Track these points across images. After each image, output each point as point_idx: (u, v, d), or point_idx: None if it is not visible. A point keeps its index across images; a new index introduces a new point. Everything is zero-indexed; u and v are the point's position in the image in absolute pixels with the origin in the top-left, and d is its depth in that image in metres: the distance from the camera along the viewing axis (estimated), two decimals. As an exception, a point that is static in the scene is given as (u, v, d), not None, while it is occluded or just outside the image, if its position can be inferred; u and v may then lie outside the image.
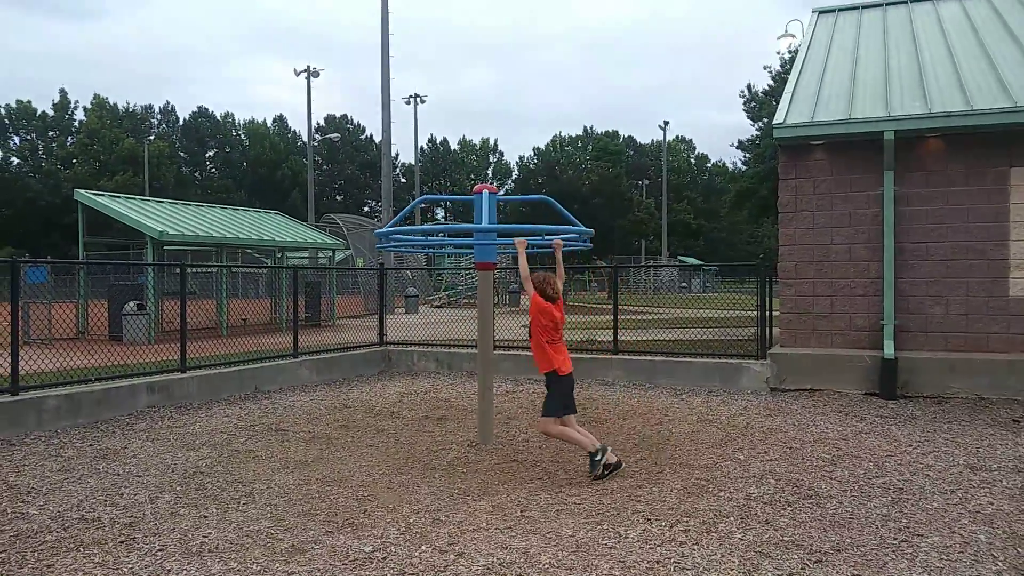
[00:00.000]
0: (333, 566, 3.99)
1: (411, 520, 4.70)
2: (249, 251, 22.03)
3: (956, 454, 6.18)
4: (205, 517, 4.78)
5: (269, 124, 77.47)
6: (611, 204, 39.03)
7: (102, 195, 17.79)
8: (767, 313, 10.18)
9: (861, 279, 9.47)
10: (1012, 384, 8.48)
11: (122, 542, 4.35)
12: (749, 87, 36.64)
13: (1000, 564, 3.92)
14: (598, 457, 5.57)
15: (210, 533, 4.48)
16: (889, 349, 8.90)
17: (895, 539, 4.28)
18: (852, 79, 10.57)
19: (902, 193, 9.23)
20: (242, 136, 75.15)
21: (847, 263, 9.55)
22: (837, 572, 3.83)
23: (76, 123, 65.51)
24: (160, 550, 4.23)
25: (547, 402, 5.85)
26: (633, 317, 19.22)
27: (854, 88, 10.21)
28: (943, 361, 8.83)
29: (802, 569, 3.88)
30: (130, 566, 4.01)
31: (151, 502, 5.09)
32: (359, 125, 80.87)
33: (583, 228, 6.92)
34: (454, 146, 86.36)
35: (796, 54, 13.82)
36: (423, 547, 4.25)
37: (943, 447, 6.42)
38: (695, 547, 4.20)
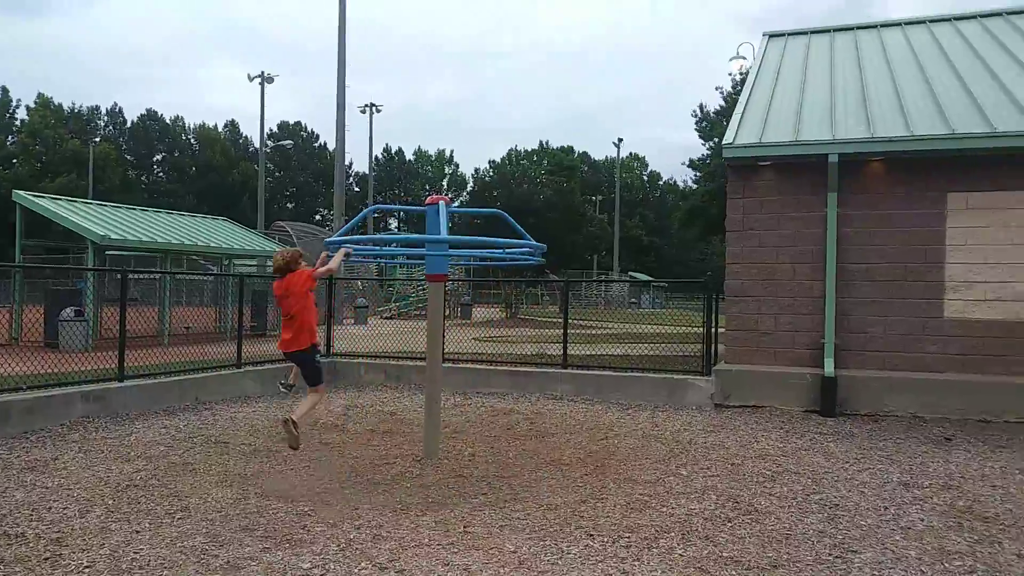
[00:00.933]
0: (269, 583, 3.90)
1: (352, 536, 4.63)
2: (195, 258, 21.56)
3: (890, 471, 6.34)
4: (137, 532, 4.63)
5: (220, 129, 76.21)
6: (565, 218, 39.39)
7: (43, 197, 17.22)
8: (713, 330, 10.33)
9: (805, 298, 9.68)
10: (946, 403, 8.76)
11: (47, 559, 4.18)
12: (701, 107, 37.33)
13: (929, 580, 4.02)
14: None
15: (142, 549, 4.34)
16: (829, 367, 9.12)
17: (830, 555, 4.37)
18: (799, 102, 10.86)
19: (845, 214, 9.49)
20: (192, 140, 73.76)
21: (792, 282, 9.76)
22: (773, 588, 3.89)
23: (18, 122, 63.49)
24: (88, 567, 4.08)
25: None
26: (584, 332, 19.34)
27: (801, 111, 10.48)
28: (881, 380, 9.07)
29: (739, 585, 3.92)
30: (54, 584, 3.85)
31: (81, 516, 4.91)
32: (313, 133, 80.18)
33: (535, 243, 6.93)
34: (409, 156, 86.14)
35: (747, 76, 14.14)
36: (363, 563, 4.18)
37: (878, 464, 6.59)
38: (636, 563, 4.22)
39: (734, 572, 4.09)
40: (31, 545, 4.38)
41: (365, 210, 7.44)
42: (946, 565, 4.22)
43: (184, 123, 74.22)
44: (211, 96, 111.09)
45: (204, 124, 74.91)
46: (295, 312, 6.27)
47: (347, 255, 6.59)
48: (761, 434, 7.85)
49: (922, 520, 5.02)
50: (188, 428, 7.87)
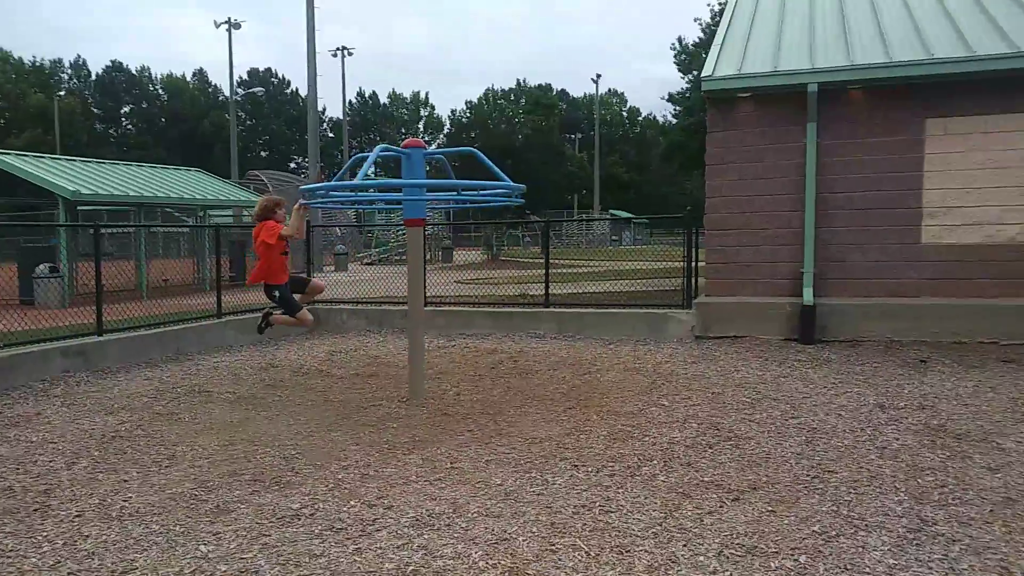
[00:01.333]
0: (260, 524, 3.95)
1: (340, 476, 4.68)
2: (169, 210, 21.24)
3: (867, 394, 6.48)
4: (125, 481, 4.65)
5: (189, 78, 74.29)
6: (544, 158, 39.05)
7: (8, 154, 16.80)
8: (693, 264, 10.39)
9: (784, 229, 9.72)
10: (921, 327, 8.91)
11: (36, 510, 4.20)
12: (680, 39, 36.84)
13: (902, 494, 4.14)
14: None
15: (131, 497, 4.37)
16: (808, 296, 9.21)
17: (808, 475, 4.48)
18: (779, 32, 10.70)
19: (825, 144, 9.46)
20: (160, 91, 71.92)
21: (771, 214, 9.78)
22: (753, 508, 3.99)
23: (-23, 77, 61.51)
24: (77, 516, 4.10)
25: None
26: (565, 271, 19.38)
27: (780, 41, 10.34)
28: (858, 306, 9.20)
29: (720, 507, 4.02)
30: (45, 533, 3.88)
31: (67, 468, 4.92)
32: (284, 79, 78.36)
33: (513, 183, 6.87)
34: (384, 99, 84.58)
35: (725, 7, 13.89)
36: (352, 502, 4.24)
37: (855, 388, 6.72)
38: (620, 491, 4.31)
39: (715, 495, 4.19)
40: (19, 498, 4.39)
41: (352, 159, 7.29)
42: (919, 481, 4.35)
43: (151, 73, 72.32)
44: (177, 45, 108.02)
45: (172, 74, 73.05)
46: (259, 254, 6.82)
47: (305, 209, 6.72)
48: (741, 363, 7.96)
49: (897, 439, 5.15)
50: (171, 379, 7.87)
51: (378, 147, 6.71)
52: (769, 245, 9.78)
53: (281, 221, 6.68)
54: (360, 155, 7.49)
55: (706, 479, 4.46)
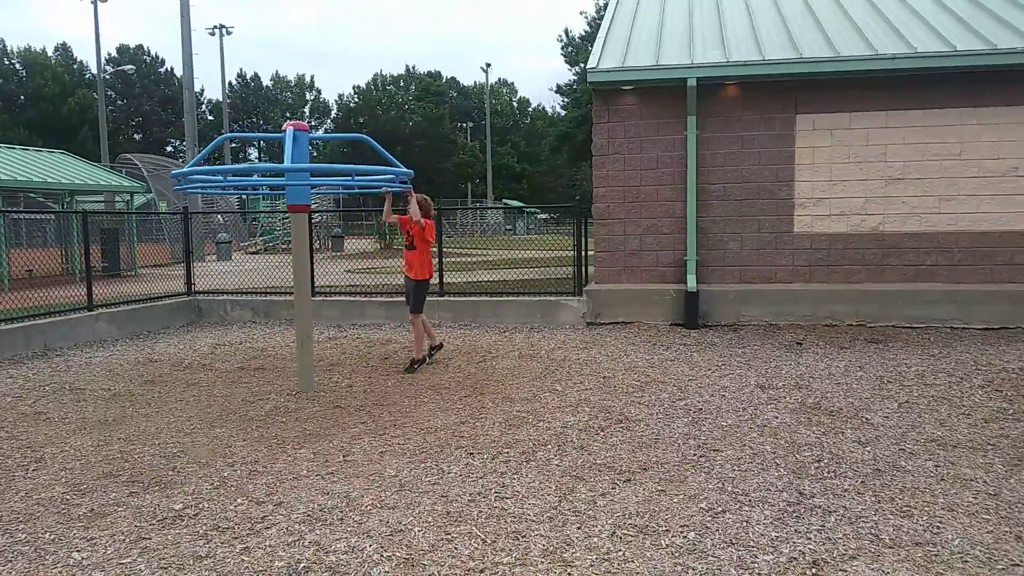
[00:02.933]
0: (139, 527, 3.74)
1: (225, 474, 4.50)
2: (33, 195, 19.73)
3: (748, 375, 6.81)
4: (-15, 488, 4.30)
5: (51, 53, 69.02)
6: (435, 146, 38.80)
7: None
8: (583, 253, 10.58)
9: (668, 218, 10.05)
10: (796, 311, 9.45)
11: None
12: (567, 32, 37.38)
13: (782, 470, 4.38)
14: (417, 366, 7.47)
15: (-9, 505, 4.04)
16: (692, 283, 9.58)
17: (695, 455, 4.66)
18: (660, 28, 11.03)
19: (704, 137, 9.84)
20: (17, 66, 66.48)
21: (655, 203, 10.09)
22: (644, 488, 4.11)
23: None
24: (-71, 529, 3.76)
25: (419, 299, 7.61)
26: (460, 260, 19.35)
27: (662, 36, 10.66)
28: (738, 292, 9.65)
29: (613, 488, 4.12)
30: None
31: (-84, 477, 4.50)
32: (157, 57, 74.02)
33: (402, 169, 6.78)
34: (267, 82, 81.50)
35: (610, 1, 14.18)
36: (239, 500, 4.08)
37: (737, 370, 7.05)
38: (515, 476, 4.34)
39: (607, 477, 4.29)
40: None
41: (218, 138, 6.96)
42: (797, 456, 4.61)
43: (7, 47, 66.63)
44: (37, 17, 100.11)
45: (31, 48, 67.54)
46: (420, 249, 7.63)
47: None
48: (630, 348, 8.20)
49: (776, 418, 5.44)
50: (38, 376, 7.33)
51: (221, 136, 6.50)
52: (654, 234, 10.10)
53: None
54: (230, 134, 7.19)
55: (599, 462, 4.56)
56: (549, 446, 4.88)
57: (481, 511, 3.85)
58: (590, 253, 11.39)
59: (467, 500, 4.00)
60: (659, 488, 4.12)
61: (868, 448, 4.74)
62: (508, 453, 4.76)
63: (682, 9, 11.89)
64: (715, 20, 11.14)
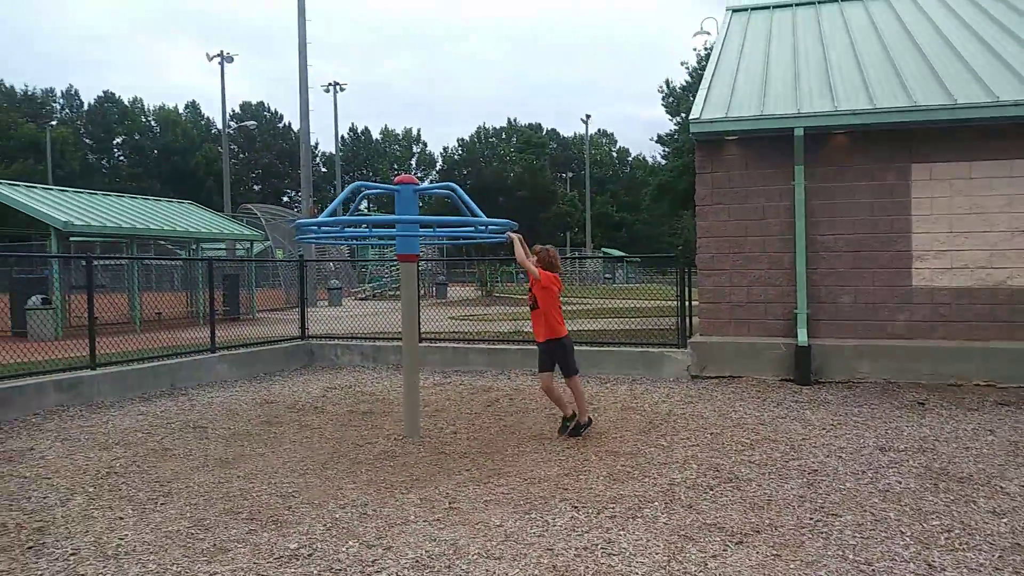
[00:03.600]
0: (257, 564, 3.89)
1: (337, 515, 4.63)
2: (162, 243, 21.22)
3: (866, 436, 6.48)
4: (121, 519, 4.59)
5: (181, 110, 74.65)
6: (535, 196, 39.32)
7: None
8: (687, 303, 10.43)
9: (775, 270, 9.80)
10: (916, 368, 8.96)
11: (30, 548, 4.13)
12: (667, 83, 37.45)
13: (908, 539, 4.13)
14: (570, 424, 6.69)
15: (126, 535, 4.31)
16: (803, 337, 9.26)
17: (811, 519, 4.46)
18: (764, 76, 10.92)
19: (812, 187, 9.60)
20: (152, 123, 72.19)
21: (762, 254, 9.88)
22: (757, 553, 3.97)
23: (-30, 106, 61.62)
24: (73, 554, 4.03)
25: (545, 361, 6.79)
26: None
27: (766, 85, 10.55)
28: (853, 348, 9.25)
29: (724, 551, 4.00)
30: (40, 572, 3.81)
31: (62, 505, 4.85)
32: (276, 112, 78.90)
33: (501, 220, 6.88)
34: (376, 135, 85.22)
35: (711, 51, 14.17)
36: (350, 542, 4.19)
37: (854, 430, 6.73)
38: (621, 533, 4.27)
39: (718, 538, 4.17)
40: (13, 535, 4.32)
41: (350, 186, 7.29)
42: (924, 525, 4.34)
43: (144, 105, 72.64)
44: (170, 77, 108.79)
45: (164, 106, 73.41)
46: (545, 306, 6.74)
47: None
48: (739, 404, 7.97)
49: (899, 482, 5.15)
50: (165, 414, 7.79)
51: (352, 184, 6.78)
52: (761, 285, 9.86)
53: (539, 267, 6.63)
54: (359, 183, 7.50)
55: (708, 521, 4.43)
56: (656, 503, 4.79)
57: (588, 567, 3.81)
58: (693, 303, 11.20)
59: (573, 555, 3.97)
60: (774, 552, 3.96)
61: (1004, 519, 4.41)
62: (614, 508, 4.70)
63: (786, 55, 11.74)
64: (821, 66, 10.94)
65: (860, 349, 9.21)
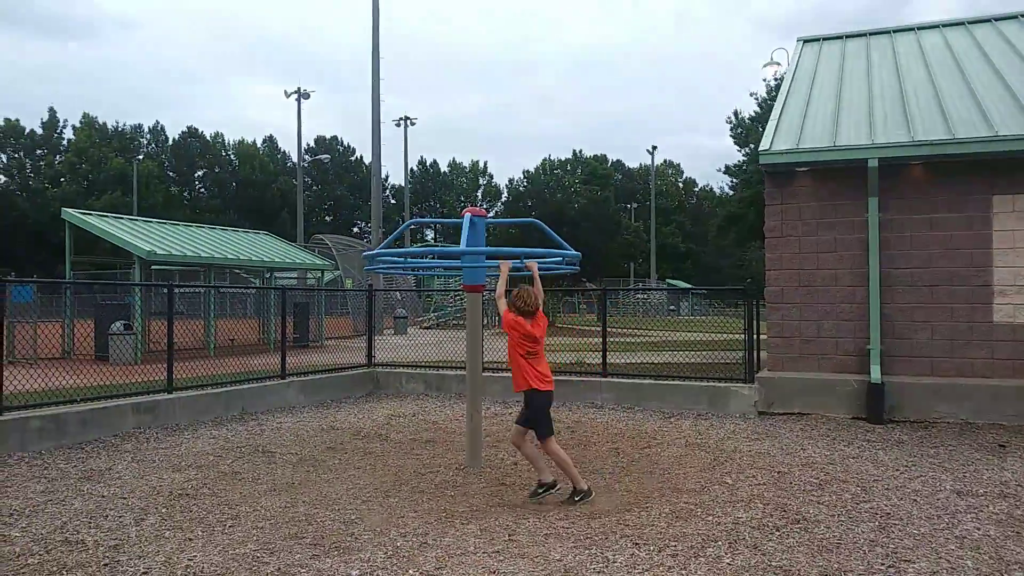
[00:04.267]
0: (320, 590, 3.96)
1: (398, 544, 4.68)
2: (238, 271, 21.98)
3: (943, 479, 6.21)
4: (191, 540, 4.73)
5: (259, 144, 77.52)
6: (600, 227, 39.22)
7: (90, 214, 17.74)
8: (754, 337, 10.23)
9: (847, 304, 9.54)
10: (997, 408, 8.55)
11: (106, 565, 4.30)
12: (736, 113, 37.04)
13: (986, 589, 3.93)
14: (541, 490, 5.71)
15: (195, 556, 4.44)
16: (876, 374, 8.96)
17: (882, 564, 4.29)
18: (836, 107, 10.73)
19: (886, 219, 9.35)
20: (232, 156, 75.12)
21: (833, 288, 9.63)
22: (825, 597, 3.83)
23: (64, 142, 65.36)
24: (144, 573, 4.18)
25: (523, 414, 5.90)
26: (622, 339, 19.24)
27: (838, 116, 10.36)
28: (929, 386, 8.89)
29: (790, 594, 3.88)
30: (114, 590, 3.96)
31: (136, 524, 5.04)
32: (349, 146, 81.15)
33: (571, 251, 6.95)
34: (444, 168, 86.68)
35: (781, 82, 14.01)
36: (410, 571, 4.22)
37: (929, 472, 6.45)
38: (683, 572, 4.19)
39: (784, 581, 4.04)
40: (90, 552, 4.51)
41: (403, 225, 7.51)
42: (1005, 575, 4.12)
43: (224, 139, 75.66)
44: (249, 113, 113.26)
45: (243, 140, 76.26)
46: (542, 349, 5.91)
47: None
48: (807, 442, 7.74)
49: (978, 529, 4.91)
50: (236, 438, 8.02)
51: (409, 221, 6.91)
52: (832, 320, 9.60)
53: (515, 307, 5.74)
54: (414, 219, 7.66)
55: (774, 563, 4.31)
56: (719, 542, 4.68)
57: (648, 605, 3.75)
58: (761, 337, 10.96)
59: (633, 592, 3.91)
60: (842, 598, 3.82)
61: (1094, 573, 4.15)
62: (675, 547, 4.61)
63: (860, 85, 11.51)
64: (896, 95, 10.69)
65: (937, 387, 8.85)
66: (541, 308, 5.90)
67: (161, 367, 9.23)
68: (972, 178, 9.12)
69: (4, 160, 62.85)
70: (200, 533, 4.86)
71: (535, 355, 5.80)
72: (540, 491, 5.70)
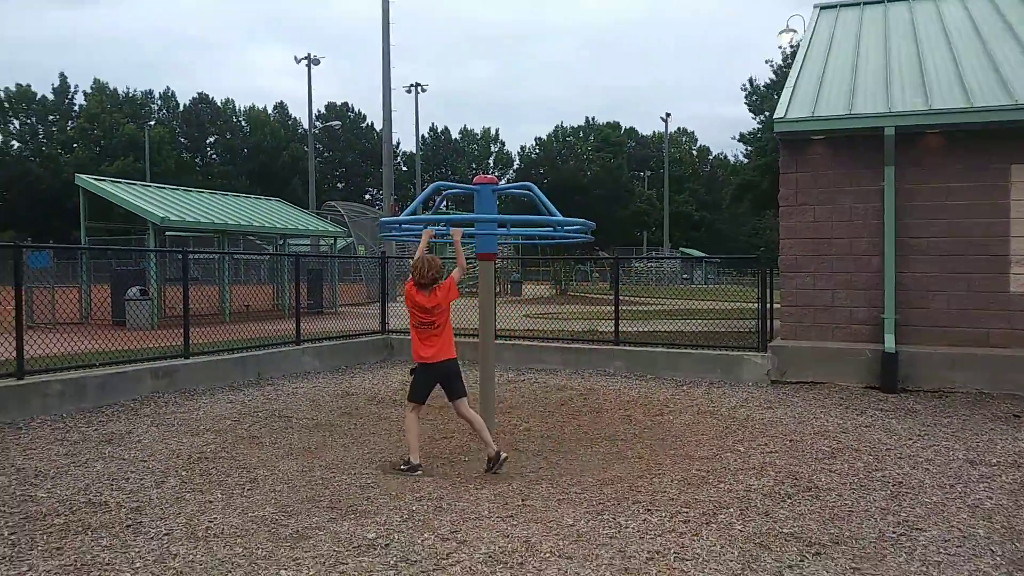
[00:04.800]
0: (337, 552, 4.04)
1: (414, 508, 4.75)
2: (251, 238, 22.05)
3: (955, 448, 6.22)
4: (210, 502, 4.83)
5: (270, 111, 77.28)
6: (612, 195, 39.08)
7: (103, 180, 17.79)
8: (768, 305, 10.20)
9: (862, 273, 9.49)
10: (1012, 379, 8.52)
11: (129, 526, 4.39)
12: (751, 81, 36.61)
13: (998, 558, 3.96)
14: (404, 467, 5.54)
15: (215, 518, 4.53)
16: (890, 343, 8.94)
17: (894, 532, 4.33)
18: (853, 74, 10.56)
19: (903, 188, 9.25)
20: (243, 122, 74.98)
21: (848, 256, 9.58)
22: (836, 564, 3.87)
23: (76, 107, 65.37)
24: (166, 534, 4.27)
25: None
26: (635, 308, 19.25)
27: (855, 83, 10.20)
28: (944, 356, 8.87)
29: (801, 561, 3.92)
30: (137, 549, 4.05)
31: (157, 487, 5.14)
32: (360, 113, 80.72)
33: (581, 220, 6.88)
34: (455, 135, 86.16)
35: (797, 49, 13.78)
36: (426, 534, 4.29)
37: (943, 441, 6.47)
38: (695, 538, 4.24)
39: (795, 548, 4.09)
40: (113, 513, 4.60)
41: (430, 186, 7.41)
42: (1017, 544, 4.15)
43: (235, 106, 75.43)
44: (260, 79, 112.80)
45: (254, 106, 76.05)
46: (442, 323, 5.74)
47: (431, 236, 6.24)
48: (820, 410, 7.76)
49: (990, 498, 4.93)
50: (252, 403, 8.12)
51: (433, 184, 6.85)
52: (846, 289, 9.56)
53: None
54: (439, 183, 7.60)
55: (785, 530, 4.35)
56: (731, 509, 4.72)
57: (660, 571, 3.80)
58: (774, 306, 10.94)
59: (645, 558, 3.96)
60: (853, 565, 3.86)
61: (1106, 543, 4.17)
62: (687, 513, 4.66)
63: (877, 53, 11.31)
64: (914, 63, 10.51)
65: (951, 357, 8.83)
66: (447, 279, 5.78)
67: (177, 332, 9.33)
68: (991, 147, 8.99)
69: (17, 126, 62.96)
70: (219, 496, 4.95)
71: (428, 326, 5.64)
72: (403, 467, 5.55)
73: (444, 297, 5.69)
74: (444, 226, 6.69)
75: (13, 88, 62.80)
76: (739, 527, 4.41)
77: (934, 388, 8.76)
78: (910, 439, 6.54)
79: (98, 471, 5.49)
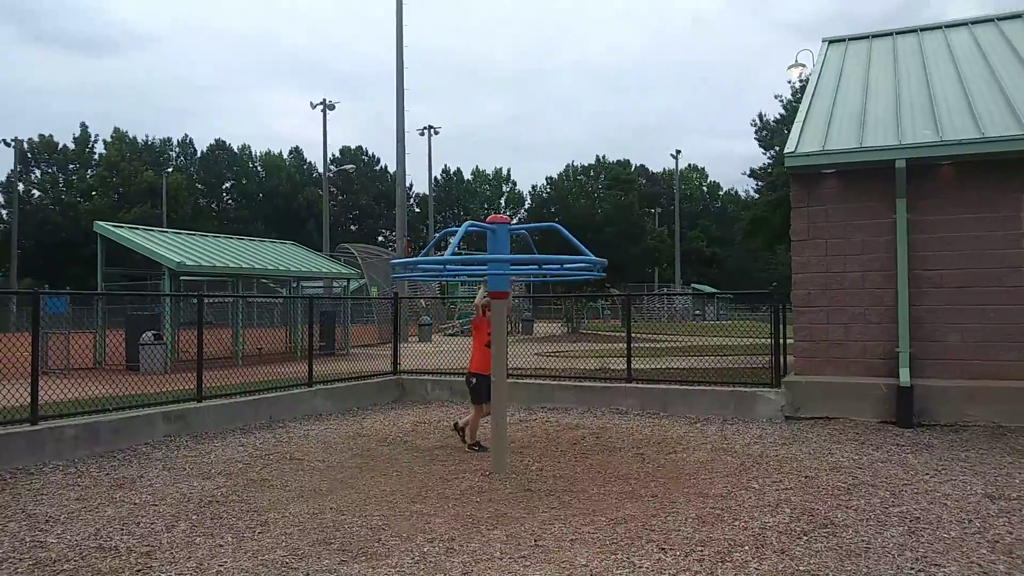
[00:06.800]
0: (347, 595, 4.00)
1: (425, 549, 4.71)
2: (265, 281, 22.24)
3: (974, 483, 6.12)
4: (221, 546, 4.81)
5: (285, 156, 78.37)
6: (624, 232, 39.16)
7: (121, 227, 18.07)
8: (781, 341, 10.14)
9: (875, 307, 9.44)
10: (1031, 412, 8.39)
11: (139, 571, 4.38)
12: (760, 116, 36.76)
13: (1019, 595, 3.87)
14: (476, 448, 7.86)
15: (226, 562, 4.51)
16: (905, 377, 8.84)
17: (912, 568, 4.24)
18: (863, 107, 10.63)
19: (915, 220, 9.24)
20: (259, 168, 76.06)
21: (861, 290, 9.53)
22: (853, 602, 3.80)
23: (96, 156, 66.56)
24: (176, 579, 4.25)
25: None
26: (647, 345, 19.16)
27: (865, 116, 10.26)
28: (960, 389, 8.76)
29: (818, 599, 3.85)
30: (147, 595, 4.03)
31: (167, 531, 5.13)
32: (374, 156, 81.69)
33: (594, 257, 6.94)
34: (467, 176, 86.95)
35: (807, 83, 13.91)
36: (437, 576, 4.25)
37: (960, 476, 6.36)
38: (710, 577, 4.18)
39: (812, 586, 4.01)
40: (123, 558, 4.59)
41: (464, 224, 7.37)
42: (1037, 580, 4.06)
43: (251, 151, 76.61)
44: (276, 124, 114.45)
45: (270, 151, 77.18)
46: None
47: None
48: (835, 446, 7.66)
49: (1010, 533, 4.83)
50: (264, 446, 8.12)
51: (466, 223, 6.90)
52: (860, 323, 9.50)
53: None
54: (448, 229, 7.72)
55: (802, 568, 4.28)
56: (746, 547, 4.65)
57: (674, 610, 3.74)
58: (787, 341, 10.87)
59: (659, 597, 3.90)
60: (871, 603, 3.79)
61: None
62: (702, 551, 4.59)
63: (886, 85, 11.39)
64: (924, 95, 10.56)
65: (967, 390, 8.71)
66: (480, 311, 8.05)
67: (190, 376, 9.37)
68: (1003, 177, 8.98)
69: (38, 175, 64.12)
70: (230, 539, 4.94)
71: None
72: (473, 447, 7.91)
73: (481, 324, 8.04)
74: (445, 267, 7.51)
75: (36, 138, 64.10)
76: (755, 565, 4.34)
77: (951, 422, 8.63)
78: (927, 474, 6.43)
79: (109, 516, 5.49)
